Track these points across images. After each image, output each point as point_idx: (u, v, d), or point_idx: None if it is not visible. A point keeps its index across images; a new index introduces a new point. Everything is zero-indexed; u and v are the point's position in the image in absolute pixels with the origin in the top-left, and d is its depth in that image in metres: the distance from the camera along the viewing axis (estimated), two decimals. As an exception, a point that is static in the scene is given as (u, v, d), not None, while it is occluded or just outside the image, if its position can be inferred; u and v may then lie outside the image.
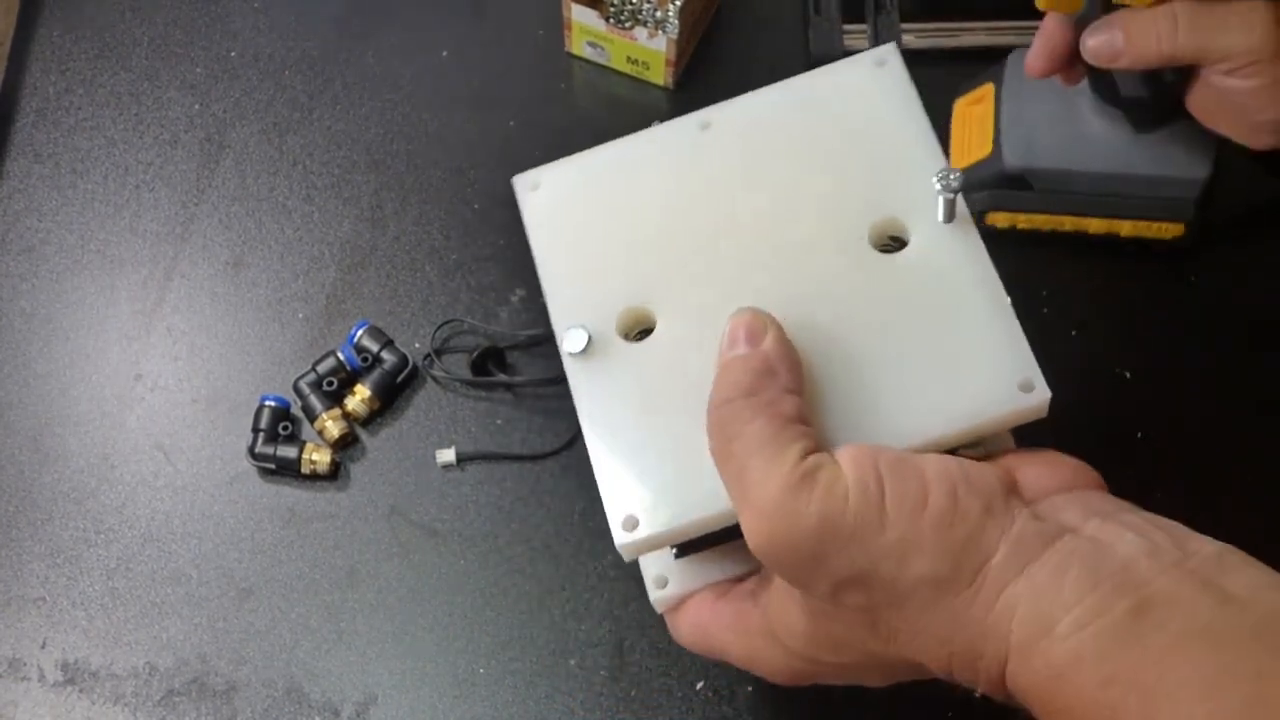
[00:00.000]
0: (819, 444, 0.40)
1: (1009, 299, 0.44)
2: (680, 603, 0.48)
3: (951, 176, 0.44)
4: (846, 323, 0.43)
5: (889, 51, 0.49)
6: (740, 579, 0.47)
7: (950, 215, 0.44)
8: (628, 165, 0.49)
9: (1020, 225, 0.70)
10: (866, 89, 0.48)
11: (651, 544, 0.43)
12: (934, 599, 0.36)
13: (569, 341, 0.46)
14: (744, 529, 0.39)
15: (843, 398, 0.42)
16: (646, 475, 0.43)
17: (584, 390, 0.46)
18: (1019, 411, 0.43)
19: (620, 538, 0.43)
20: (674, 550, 0.47)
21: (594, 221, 0.48)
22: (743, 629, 0.45)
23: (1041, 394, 0.43)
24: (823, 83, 0.48)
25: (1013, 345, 0.44)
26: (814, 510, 0.37)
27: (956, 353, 0.43)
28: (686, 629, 0.48)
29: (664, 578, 0.48)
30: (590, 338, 0.45)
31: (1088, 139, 0.68)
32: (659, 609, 0.49)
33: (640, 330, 0.47)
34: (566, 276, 0.48)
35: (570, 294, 0.47)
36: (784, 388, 0.40)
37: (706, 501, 0.42)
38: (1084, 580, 0.34)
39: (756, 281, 0.45)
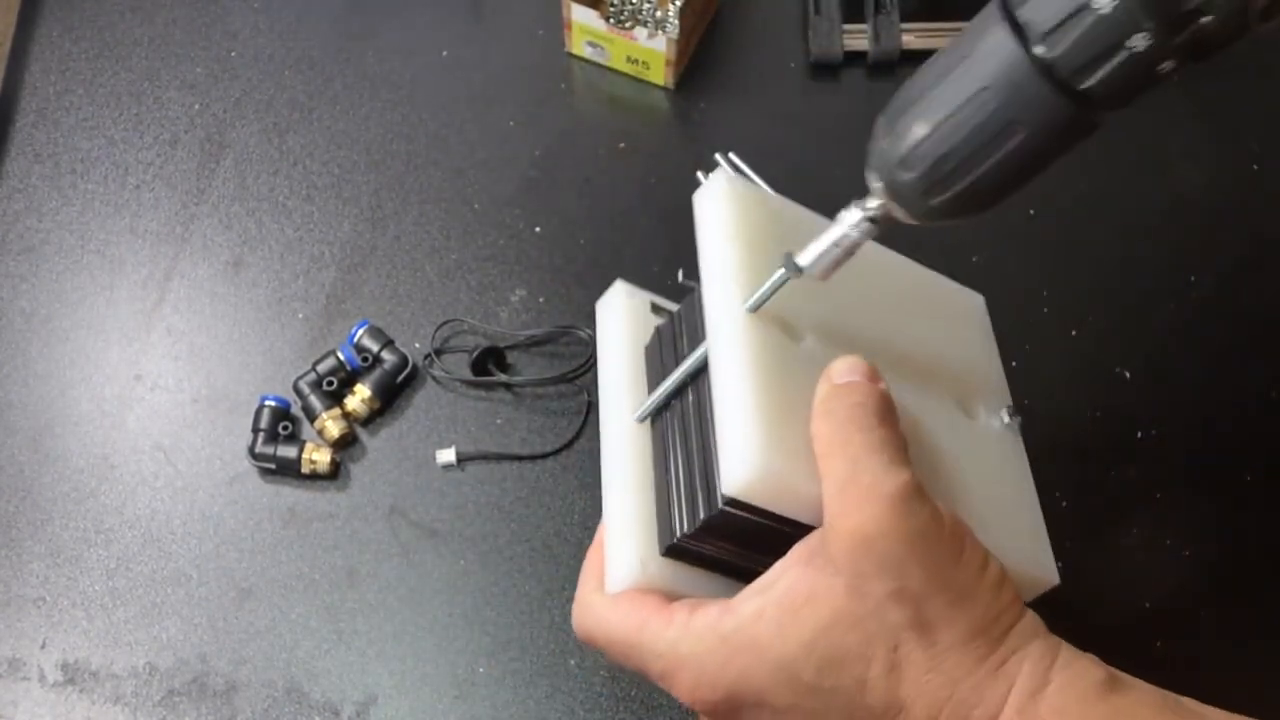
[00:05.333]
0: None
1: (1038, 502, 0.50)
2: (636, 592, 0.47)
3: (1011, 414, 0.51)
4: (938, 441, 0.48)
5: (981, 303, 0.56)
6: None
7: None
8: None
9: None
10: (970, 314, 0.55)
11: (766, 496, 0.43)
12: (966, 641, 0.41)
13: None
14: (835, 512, 0.41)
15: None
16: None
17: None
18: (1033, 587, 0.48)
19: (735, 485, 0.43)
20: (663, 546, 0.48)
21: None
22: (700, 633, 0.44)
23: (1050, 580, 0.48)
24: (944, 286, 0.55)
25: (1035, 538, 0.49)
26: (925, 515, 0.40)
27: (995, 522, 0.47)
28: (617, 617, 0.46)
29: (646, 562, 0.48)
30: None
31: None
32: (625, 583, 0.47)
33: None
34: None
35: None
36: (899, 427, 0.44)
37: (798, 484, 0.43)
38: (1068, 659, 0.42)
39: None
